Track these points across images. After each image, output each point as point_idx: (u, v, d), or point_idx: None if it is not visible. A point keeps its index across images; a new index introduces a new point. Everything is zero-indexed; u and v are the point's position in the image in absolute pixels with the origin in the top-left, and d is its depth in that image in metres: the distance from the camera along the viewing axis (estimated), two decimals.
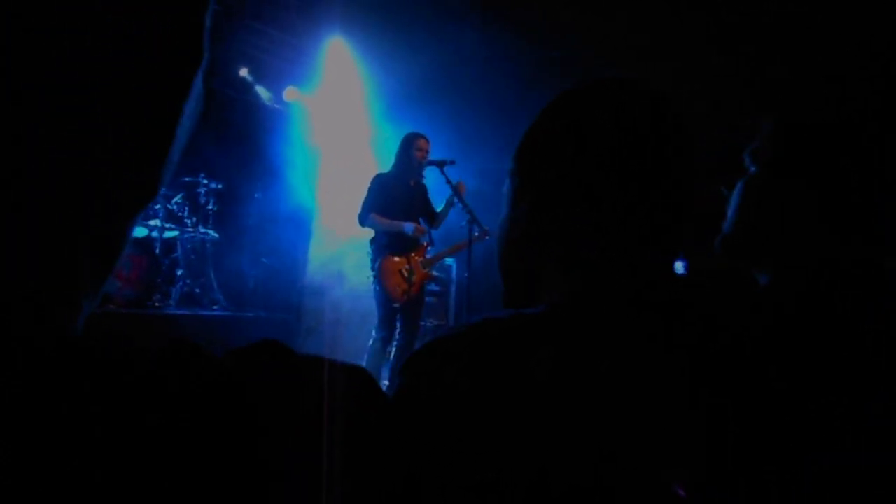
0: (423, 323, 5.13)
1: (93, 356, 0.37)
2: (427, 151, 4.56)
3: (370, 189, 4.55)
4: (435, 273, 5.38)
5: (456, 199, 4.51)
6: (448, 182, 4.45)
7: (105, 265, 0.45)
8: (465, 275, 4.79)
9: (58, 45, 0.37)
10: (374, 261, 4.53)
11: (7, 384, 0.34)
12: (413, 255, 4.58)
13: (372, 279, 4.53)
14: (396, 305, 4.45)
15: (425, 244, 4.70)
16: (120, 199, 0.43)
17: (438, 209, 4.75)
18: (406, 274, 4.49)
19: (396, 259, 4.50)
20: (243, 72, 7.04)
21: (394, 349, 4.44)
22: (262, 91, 7.26)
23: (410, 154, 4.52)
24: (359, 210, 4.52)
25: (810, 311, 0.67)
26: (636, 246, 0.69)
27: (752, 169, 1.11)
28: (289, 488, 0.39)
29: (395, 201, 4.50)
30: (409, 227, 4.46)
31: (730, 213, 1.14)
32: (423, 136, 4.58)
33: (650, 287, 0.68)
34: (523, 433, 0.57)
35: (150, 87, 0.41)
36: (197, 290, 5.88)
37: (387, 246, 4.50)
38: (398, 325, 4.51)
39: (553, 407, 0.57)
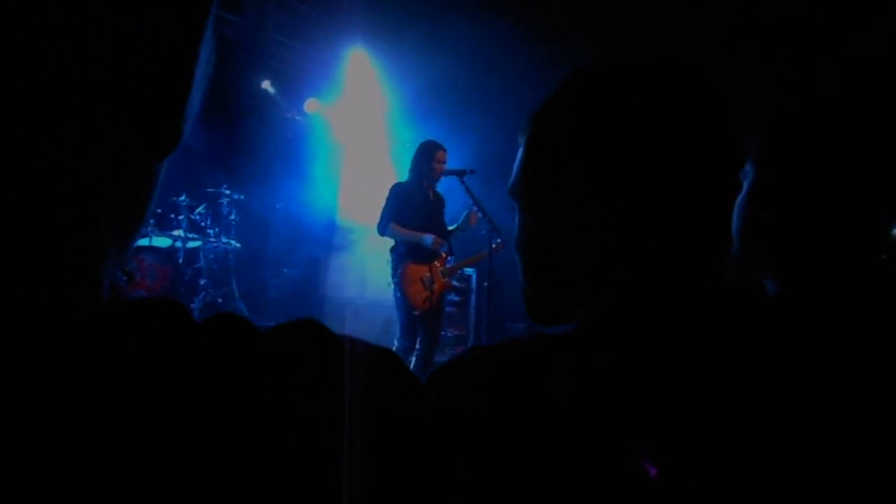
0: (442, 333, 5.11)
1: (93, 356, 0.36)
2: (445, 162, 4.55)
3: (389, 198, 4.54)
4: (455, 283, 5.37)
5: (479, 213, 4.50)
6: (468, 192, 4.45)
7: (137, 215, 0.46)
8: (486, 284, 4.77)
9: None
10: (395, 269, 4.52)
11: (7, 384, 0.34)
12: (433, 263, 4.58)
13: (393, 287, 4.52)
14: (417, 313, 4.44)
15: (444, 254, 4.69)
16: (143, 145, 0.43)
17: (451, 227, 4.72)
18: (426, 282, 4.49)
19: (417, 267, 4.49)
20: (265, 84, 7.14)
21: (413, 359, 4.43)
22: (283, 102, 7.35)
23: (429, 164, 4.51)
24: (378, 220, 4.53)
25: (810, 311, 0.67)
26: (636, 237, 0.68)
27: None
28: (306, 478, 0.38)
29: (415, 211, 4.49)
30: (428, 238, 4.45)
31: None
32: (441, 147, 4.56)
33: (650, 279, 0.68)
34: (538, 453, 0.56)
35: (163, 31, 0.41)
36: (219, 300, 5.94)
37: (407, 254, 4.49)
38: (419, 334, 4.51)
39: (570, 423, 0.57)
